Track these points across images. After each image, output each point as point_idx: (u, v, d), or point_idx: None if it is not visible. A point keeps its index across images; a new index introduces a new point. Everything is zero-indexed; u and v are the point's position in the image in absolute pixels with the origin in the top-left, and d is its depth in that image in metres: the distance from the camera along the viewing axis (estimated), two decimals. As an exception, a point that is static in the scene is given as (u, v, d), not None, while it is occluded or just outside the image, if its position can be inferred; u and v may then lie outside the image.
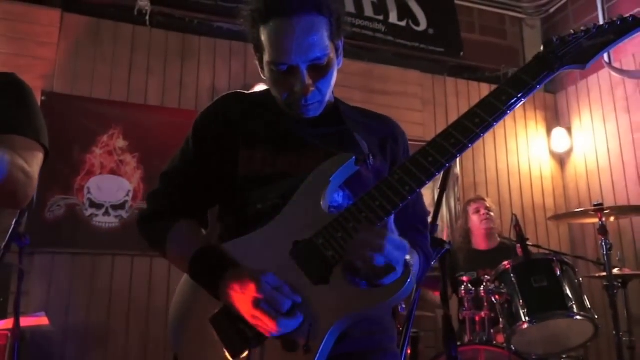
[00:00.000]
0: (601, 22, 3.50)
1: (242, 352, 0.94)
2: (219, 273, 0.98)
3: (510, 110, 0.98)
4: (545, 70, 0.99)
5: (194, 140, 1.18)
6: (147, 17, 3.43)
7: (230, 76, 3.54)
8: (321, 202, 1.02)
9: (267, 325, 0.90)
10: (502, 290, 2.32)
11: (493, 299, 2.34)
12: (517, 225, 2.37)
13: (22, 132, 1.28)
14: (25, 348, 1.99)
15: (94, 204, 3.06)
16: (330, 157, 1.06)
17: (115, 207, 3.08)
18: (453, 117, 3.98)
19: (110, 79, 3.28)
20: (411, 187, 0.94)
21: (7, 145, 1.21)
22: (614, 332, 2.50)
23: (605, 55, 3.95)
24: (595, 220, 2.63)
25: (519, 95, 0.97)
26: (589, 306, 2.31)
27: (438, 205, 1.73)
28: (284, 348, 0.92)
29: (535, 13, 4.62)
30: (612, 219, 2.83)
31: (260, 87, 3.67)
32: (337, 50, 1.11)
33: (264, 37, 1.07)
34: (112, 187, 3.10)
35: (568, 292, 2.26)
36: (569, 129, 4.24)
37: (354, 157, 1.05)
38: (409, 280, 0.89)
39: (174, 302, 1.10)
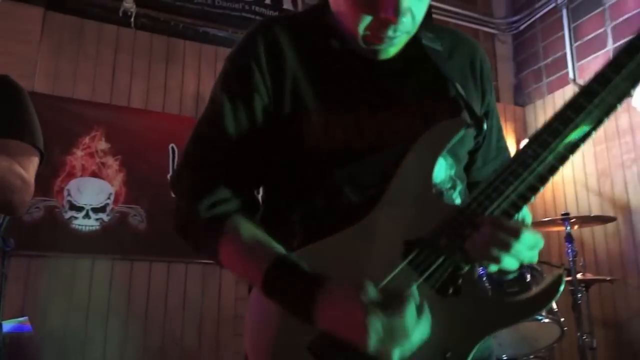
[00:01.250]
0: (567, 39, 3.66)
1: None
2: (310, 294, 0.72)
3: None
4: None
5: (231, 97, 0.86)
6: (132, 19, 3.43)
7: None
8: (431, 186, 0.79)
9: (389, 349, 0.67)
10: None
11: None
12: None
13: (19, 136, 1.29)
14: (2, 353, 1.98)
15: (73, 207, 3.04)
16: (429, 116, 0.83)
17: (96, 210, 3.08)
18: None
19: (93, 79, 3.26)
20: (553, 165, 0.75)
21: (3, 150, 1.23)
22: (577, 334, 2.68)
23: (570, 72, 4.19)
24: (561, 228, 2.82)
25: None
26: (556, 309, 2.48)
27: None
28: None
29: (506, 29, 4.83)
30: (575, 227, 3.02)
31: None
32: None
33: None
34: (93, 189, 3.09)
35: (538, 297, 2.41)
36: (535, 140, 4.46)
37: (465, 125, 0.83)
38: (561, 288, 0.76)
39: (249, 323, 0.84)
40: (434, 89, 0.88)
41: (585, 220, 3.15)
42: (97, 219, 3.06)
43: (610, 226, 3.58)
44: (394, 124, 0.83)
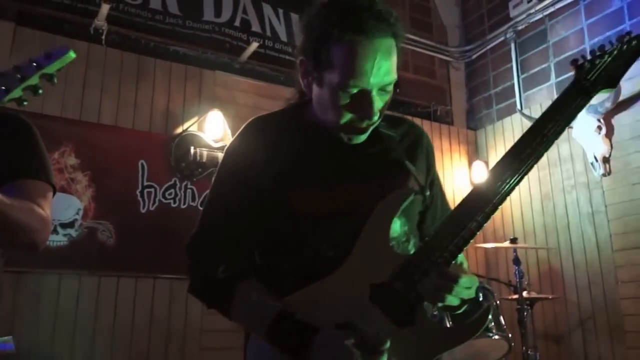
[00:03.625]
0: (514, 71, 4.00)
1: None
2: (305, 343, 0.92)
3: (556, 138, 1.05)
4: (585, 97, 1.03)
5: (231, 183, 1.08)
6: (104, 36, 3.47)
7: (185, 100, 3.65)
8: (389, 241, 1.01)
9: None
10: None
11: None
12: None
13: (36, 176, 1.33)
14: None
15: (40, 221, 3.03)
16: (386, 187, 1.04)
17: (64, 226, 3.08)
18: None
19: (63, 95, 3.26)
20: (479, 222, 0.96)
21: (23, 191, 1.27)
22: (523, 348, 2.94)
23: (517, 102, 4.53)
24: (509, 250, 3.08)
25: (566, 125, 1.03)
26: (505, 326, 2.71)
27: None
28: None
29: (460, 57, 5.15)
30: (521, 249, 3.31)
31: (215, 113, 3.78)
32: None
33: (336, 54, 0.98)
34: (61, 204, 3.09)
35: (489, 315, 2.64)
36: (486, 163, 4.76)
37: (412, 192, 1.05)
38: (490, 317, 1.00)
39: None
40: (390, 166, 1.11)
41: (532, 248, 3.44)
42: (65, 235, 3.06)
43: (552, 248, 3.89)
44: (360, 194, 1.06)
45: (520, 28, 4.63)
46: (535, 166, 4.00)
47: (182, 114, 3.61)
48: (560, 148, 4.08)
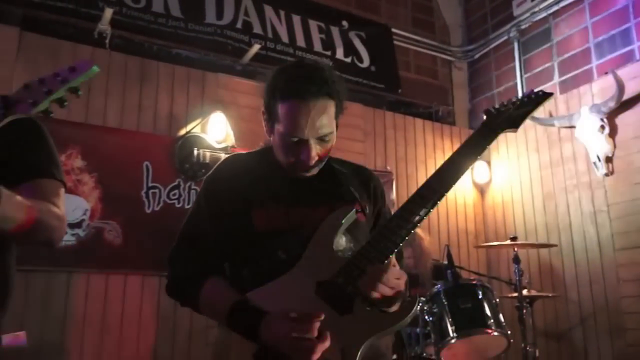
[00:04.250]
0: (517, 70, 4.04)
1: None
2: (256, 323, 1.13)
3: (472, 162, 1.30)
4: (492, 134, 1.32)
5: (207, 206, 1.33)
6: (107, 40, 3.53)
7: (188, 102, 3.71)
8: (333, 247, 1.23)
9: (305, 352, 1.07)
10: (434, 310, 2.70)
11: (426, 317, 2.71)
12: (448, 255, 2.78)
13: (50, 175, 1.37)
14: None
15: (48, 222, 3.10)
16: (335, 209, 1.27)
17: (72, 226, 3.15)
18: (391, 148, 4.44)
19: (69, 99, 3.33)
20: (407, 230, 1.18)
21: (39, 190, 1.32)
22: (522, 344, 2.97)
23: (521, 101, 4.54)
24: (510, 249, 3.11)
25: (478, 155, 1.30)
26: (504, 323, 2.74)
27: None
28: None
29: (462, 57, 5.17)
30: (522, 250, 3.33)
31: (218, 115, 3.83)
32: (336, 125, 1.31)
33: (281, 111, 1.23)
34: (69, 205, 3.16)
35: (487, 312, 2.68)
36: (488, 162, 4.78)
37: (354, 210, 1.27)
38: (417, 305, 1.18)
39: (216, 343, 1.30)
40: (339, 193, 1.35)
41: (532, 245, 3.47)
42: (73, 234, 3.14)
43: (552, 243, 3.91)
44: (312, 214, 1.29)
45: (523, 27, 4.64)
46: (538, 166, 4.06)
47: (186, 116, 3.67)
48: (563, 148, 4.10)
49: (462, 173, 1.26)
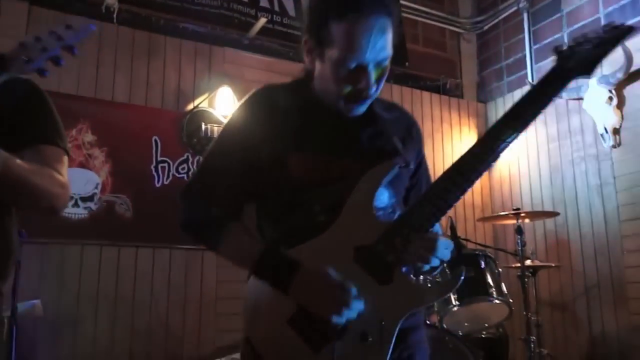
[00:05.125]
0: (526, 42, 3.96)
1: (322, 347, 1.05)
2: (289, 273, 1.06)
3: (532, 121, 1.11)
4: (562, 82, 1.09)
5: (235, 140, 1.18)
6: (115, 15, 3.55)
7: (195, 77, 3.73)
8: (372, 208, 1.12)
9: (339, 311, 1.01)
10: (437, 279, 2.75)
11: (427, 280, 2.77)
12: (452, 227, 2.82)
13: (53, 142, 1.32)
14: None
15: (62, 196, 3.17)
16: (376, 161, 1.15)
17: (84, 199, 3.23)
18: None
19: (78, 74, 3.37)
20: (455, 195, 1.07)
21: (42, 157, 1.28)
22: (524, 313, 3.03)
23: (529, 74, 4.51)
24: (515, 221, 3.14)
25: (541, 110, 1.09)
26: (506, 292, 2.80)
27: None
28: (361, 340, 1.04)
29: (471, 29, 5.10)
30: (527, 220, 3.36)
31: (225, 89, 3.85)
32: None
33: (336, 32, 1.07)
34: (80, 180, 3.24)
35: (489, 281, 2.74)
36: (496, 135, 4.76)
37: (398, 165, 1.16)
38: (461, 279, 1.09)
39: (248, 298, 1.16)
40: (381, 142, 1.22)
41: (534, 214, 3.50)
42: (85, 208, 3.22)
43: (559, 218, 3.93)
44: (351, 165, 1.16)
45: (533, -3, 4.56)
46: (545, 138, 4.01)
47: (193, 90, 3.70)
48: (570, 120, 4.08)
49: (525, 128, 1.09)
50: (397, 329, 1.06)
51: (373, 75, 1.11)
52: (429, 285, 1.14)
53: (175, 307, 3.34)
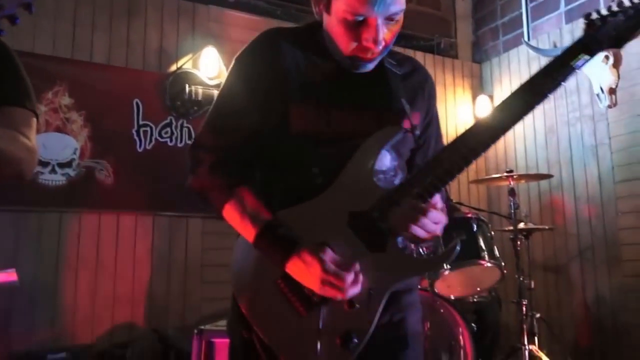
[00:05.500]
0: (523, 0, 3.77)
1: (309, 310, 1.03)
2: (287, 250, 1.03)
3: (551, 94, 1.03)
4: (587, 55, 1.01)
5: (244, 88, 1.13)
6: (92, -30, 3.36)
7: (178, 36, 3.56)
8: (372, 172, 1.07)
9: (334, 294, 0.99)
10: (429, 243, 2.68)
11: (421, 250, 2.70)
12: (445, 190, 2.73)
13: (19, 103, 1.27)
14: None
15: (39, 162, 3.05)
16: (379, 119, 1.11)
17: (62, 165, 3.11)
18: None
19: (54, 33, 3.20)
20: (460, 165, 1.02)
21: (6, 119, 1.23)
22: (517, 276, 2.98)
23: (525, 33, 4.35)
24: (508, 183, 3.06)
25: (562, 81, 1.02)
26: (498, 255, 2.73)
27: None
28: (349, 307, 1.02)
29: (466, -14, 4.92)
30: (522, 182, 3.27)
31: (210, 50, 3.70)
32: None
33: None
34: (58, 144, 3.11)
35: (481, 244, 2.66)
36: (491, 97, 4.65)
37: (402, 131, 1.11)
38: (456, 252, 1.02)
39: (236, 259, 1.14)
40: (388, 101, 1.16)
41: (528, 177, 3.42)
42: (63, 174, 3.10)
43: (554, 180, 3.86)
44: (355, 122, 1.12)
45: (530, -48, 4.37)
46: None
47: (176, 51, 3.54)
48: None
49: (541, 101, 1.02)
50: (385, 298, 1.04)
51: (382, 31, 1.05)
52: (422, 256, 1.09)
53: (159, 275, 3.27)
